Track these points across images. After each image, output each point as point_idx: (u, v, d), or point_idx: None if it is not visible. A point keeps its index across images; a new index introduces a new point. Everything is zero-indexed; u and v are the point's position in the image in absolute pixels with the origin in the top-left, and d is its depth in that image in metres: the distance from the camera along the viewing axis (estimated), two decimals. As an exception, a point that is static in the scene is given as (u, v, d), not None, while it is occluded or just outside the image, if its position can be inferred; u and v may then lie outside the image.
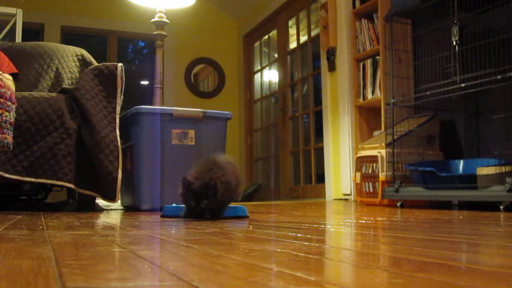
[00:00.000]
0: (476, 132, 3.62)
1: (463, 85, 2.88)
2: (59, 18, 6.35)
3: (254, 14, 6.70)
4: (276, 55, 6.49)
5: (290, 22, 6.16)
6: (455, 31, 2.92)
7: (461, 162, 3.38)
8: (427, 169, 3.10)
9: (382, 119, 3.93)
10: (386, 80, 3.74)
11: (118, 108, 3.02)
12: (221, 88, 7.07)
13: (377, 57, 4.21)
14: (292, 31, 6.15)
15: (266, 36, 6.73)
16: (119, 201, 3.09)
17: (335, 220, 2.04)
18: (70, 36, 6.52)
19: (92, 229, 1.48)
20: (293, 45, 6.12)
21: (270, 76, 6.75)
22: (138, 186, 3.05)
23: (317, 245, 1.05)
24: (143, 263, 0.76)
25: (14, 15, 4.38)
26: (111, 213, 2.74)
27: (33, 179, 2.80)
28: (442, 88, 3.03)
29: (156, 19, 3.60)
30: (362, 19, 4.40)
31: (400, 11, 3.37)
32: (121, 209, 3.26)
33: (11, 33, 4.41)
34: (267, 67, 6.77)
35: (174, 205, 2.18)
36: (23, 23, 4.44)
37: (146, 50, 7.73)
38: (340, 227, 1.61)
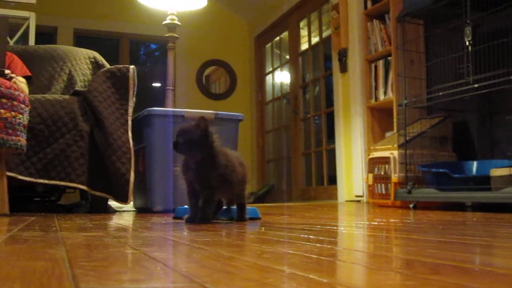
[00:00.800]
0: (490, 133, 3.59)
1: (476, 85, 2.86)
2: (71, 21, 6.39)
3: (265, 15, 6.70)
4: (287, 57, 6.49)
5: (302, 24, 6.16)
6: (468, 31, 2.90)
7: (475, 163, 3.36)
8: (440, 170, 3.08)
9: (394, 120, 3.91)
10: (398, 81, 3.73)
11: (130, 110, 3.03)
12: (233, 90, 7.08)
13: (389, 58, 4.19)
14: (304, 32, 6.14)
15: (278, 38, 6.73)
16: (132, 202, 3.10)
17: (347, 222, 2.03)
18: (82, 39, 6.56)
19: (105, 230, 1.49)
20: (304, 46, 6.12)
21: (281, 77, 6.75)
22: (150, 188, 3.06)
23: (329, 247, 1.04)
24: (155, 264, 0.77)
25: (27, 19, 4.41)
26: (124, 214, 2.75)
27: (46, 181, 2.82)
28: (455, 89, 3.01)
29: (167, 21, 3.61)
30: (374, 20, 4.38)
31: (412, 12, 3.35)
32: (133, 211, 3.27)
33: (25, 36, 4.44)
34: (279, 69, 6.77)
35: (186, 206, 2.19)
36: (36, 26, 4.47)
37: (158, 52, 7.76)
38: (352, 229, 1.61)
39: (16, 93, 2.26)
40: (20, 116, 2.28)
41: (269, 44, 6.96)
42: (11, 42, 4.31)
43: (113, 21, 6.55)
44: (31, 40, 4.38)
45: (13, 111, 2.23)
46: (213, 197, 1.79)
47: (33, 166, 2.79)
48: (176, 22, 3.61)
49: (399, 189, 3.30)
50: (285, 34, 6.52)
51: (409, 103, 3.39)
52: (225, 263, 0.79)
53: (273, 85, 6.92)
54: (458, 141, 3.61)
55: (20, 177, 2.75)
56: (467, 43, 2.90)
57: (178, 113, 3.16)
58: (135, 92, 3.09)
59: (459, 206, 3.20)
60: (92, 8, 6.46)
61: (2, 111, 2.18)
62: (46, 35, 6.23)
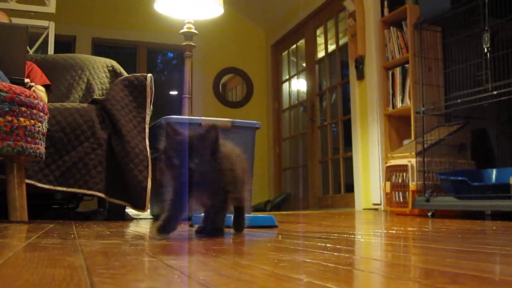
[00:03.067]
0: (509, 140, 3.55)
1: (495, 92, 2.83)
2: (90, 30, 6.47)
3: (282, 23, 6.71)
4: (304, 64, 6.49)
5: (318, 31, 6.16)
6: (486, 38, 2.88)
7: (494, 171, 3.32)
8: (459, 178, 3.05)
9: (412, 127, 3.88)
10: (416, 88, 3.71)
11: (147, 118, 3.05)
12: (250, 98, 7.09)
13: (406, 65, 4.17)
14: (320, 40, 6.14)
15: (294, 46, 6.74)
16: (149, 210, 3.11)
17: (364, 230, 2.02)
18: (100, 48, 6.63)
19: (122, 238, 1.50)
20: (321, 54, 6.11)
21: (298, 85, 6.75)
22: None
23: (346, 255, 1.04)
24: (173, 272, 0.77)
25: (46, 28, 4.47)
26: (141, 222, 2.76)
27: (64, 189, 2.84)
28: (473, 96, 2.99)
29: (184, 30, 3.63)
30: (391, 27, 4.37)
31: (429, 19, 3.33)
32: (150, 218, 3.28)
33: (44, 46, 4.50)
34: (295, 76, 6.77)
35: (203, 214, 2.19)
36: (55, 35, 4.53)
37: (175, 60, 7.81)
38: (370, 237, 1.60)
39: (36, 101, 2.29)
40: (39, 124, 2.30)
41: (286, 52, 6.97)
42: (31, 51, 4.37)
43: (130, 30, 6.61)
44: (50, 49, 4.44)
45: (32, 119, 2.26)
46: (227, 203, 1.46)
47: (52, 173, 2.82)
48: (193, 30, 3.63)
49: (417, 197, 3.27)
50: (301, 42, 6.52)
51: (426, 110, 3.36)
52: (242, 271, 0.79)
53: (289, 93, 6.93)
54: (477, 149, 3.57)
55: (39, 184, 2.77)
56: (486, 49, 2.88)
57: (195, 121, 3.17)
58: (152, 100, 3.11)
59: (478, 215, 3.16)
60: (110, 17, 6.52)
61: (22, 119, 2.21)
62: (65, 44, 6.30)
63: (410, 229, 2.03)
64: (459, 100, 3.09)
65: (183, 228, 2.09)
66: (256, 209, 5.51)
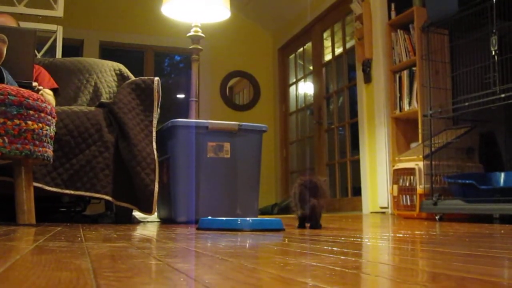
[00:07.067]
0: (517, 144, 3.53)
1: (503, 95, 2.82)
2: (97, 34, 6.50)
3: (288, 27, 6.72)
4: (311, 68, 6.49)
5: (325, 34, 6.16)
6: (494, 41, 2.87)
7: (502, 174, 3.30)
8: (467, 181, 3.04)
9: (420, 131, 3.87)
10: (423, 91, 3.70)
11: (154, 122, 3.06)
12: (256, 101, 7.10)
13: (414, 68, 4.16)
14: (327, 43, 6.14)
15: (301, 49, 6.74)
16: (156, 213, 3.12)
17: (372, 234, 2.01)
18: (108, 51, 6.66)
19: (129, 241, 1.50)
20: (328, 57, 6.11)
21: (305, 88, 6.75)
22: (174, 199, 3.08)
23: (353, 259, 1.03)
24: (179, 276, 0.77)
25: (54, 32, 4.50)
26: (148, 225, 2.76)
27: (72, 192, 2.85)
28: (481, 99, 2.97)
29: (192, 33, 3.65)
30: (398, 30, 4.36)
31: (436, 22, 3.32)
32: (157, 222, 3.29)
33: (52, 49, 4.52)
34: (302, 80, 6.77)
35: (209, 217, 2.19)
36: (63, 39, 4.55)
37: (182, 64, 7.83)
38: (377, 241, 1.59)
39: (43, 105, 2.30)
40: (47, 127, 2.32)
41: (293, 55, 6.97)
42: (39, 55, 4.39)
43: (138, 33, 6.63)
44: (58, 53, 4.46)
45: (40, 122, 2.27)
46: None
47: (59, 177, 2.83)
48: (200, 34, 3.64)
49: (424, 201, 3.26)
50: (308, 45, 6.52)
51: (434, 113, 3.35)
52: (248, 274, 0.79)
53: (296, 96, 6.93)
54: (484, 152, 3.56)
55: (47, 187, 2.78)
56: (493, 52, 2.87)
57: (202, 124, 3.17)
58: (159, 104, 3.12)
59: (486, 218, 3.14)
60: (118, 21, 6.55)
61: (30, 122, 2.22)
62: (72, 47, 6.33)
63: (417, 232, 2.02)
64: (466, 103, 3.08)
65: (190, 231, 2.09)
66: (263, 212, 5.51)
